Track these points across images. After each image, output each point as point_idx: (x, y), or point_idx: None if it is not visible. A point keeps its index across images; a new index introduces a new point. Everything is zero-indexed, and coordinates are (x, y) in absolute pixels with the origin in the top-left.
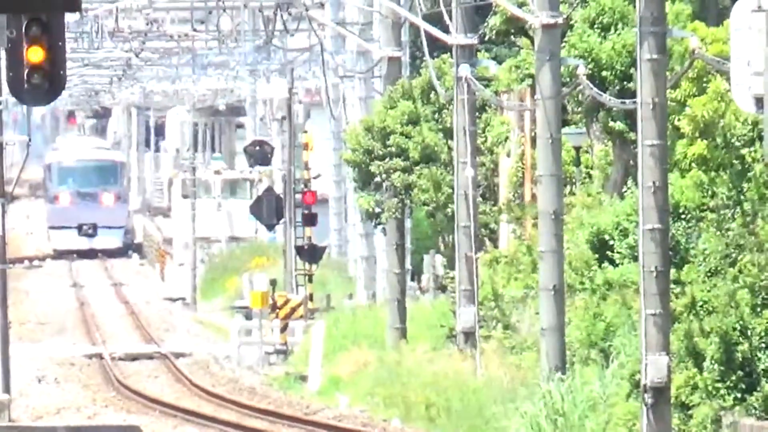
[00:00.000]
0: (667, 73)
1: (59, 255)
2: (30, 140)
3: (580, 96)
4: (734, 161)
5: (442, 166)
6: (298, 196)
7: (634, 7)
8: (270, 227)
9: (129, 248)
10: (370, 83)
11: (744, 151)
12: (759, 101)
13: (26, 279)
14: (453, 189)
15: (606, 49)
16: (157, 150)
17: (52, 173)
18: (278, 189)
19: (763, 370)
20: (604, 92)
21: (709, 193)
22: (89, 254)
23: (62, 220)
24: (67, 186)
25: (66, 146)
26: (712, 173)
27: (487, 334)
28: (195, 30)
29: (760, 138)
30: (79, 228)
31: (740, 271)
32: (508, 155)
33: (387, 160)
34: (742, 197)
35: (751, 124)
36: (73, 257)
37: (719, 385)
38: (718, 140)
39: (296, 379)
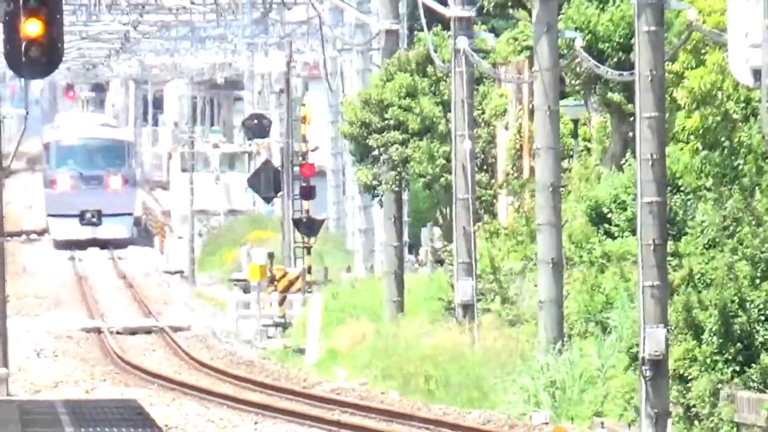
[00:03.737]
0: (666, 45)
1: (60, 246)
2: (27, 113)
3: (578, 68)
4: (729, 136)
5: (440, 138)
6: (296, 169)
7: None
8: (268, 200)
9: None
10: (368, 56)
11: (738, 126)
12: (756, 73)
13: (24, 253)
14: (447, 160)
15: (604, 21)
16: (156, 123)
17: (51, 153)
18: (276, 162)
19: (761, 342)
20: (602, 64)
21: (704, 171)
22: (93, 245)
23: (62, 207)
24: (68, 168)
25: (67, 123)
26: (706, 152)
27: (485, 307)
28: (193, 3)
29: (755, 115)
30: (82, 216)
31: (740, 243)
32: (506, 128)
33: (385, 133)
34: (737, 173)
35: (744, 101)
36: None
37: (717, 357)
38: (712, 116)
39: (294, 352)
